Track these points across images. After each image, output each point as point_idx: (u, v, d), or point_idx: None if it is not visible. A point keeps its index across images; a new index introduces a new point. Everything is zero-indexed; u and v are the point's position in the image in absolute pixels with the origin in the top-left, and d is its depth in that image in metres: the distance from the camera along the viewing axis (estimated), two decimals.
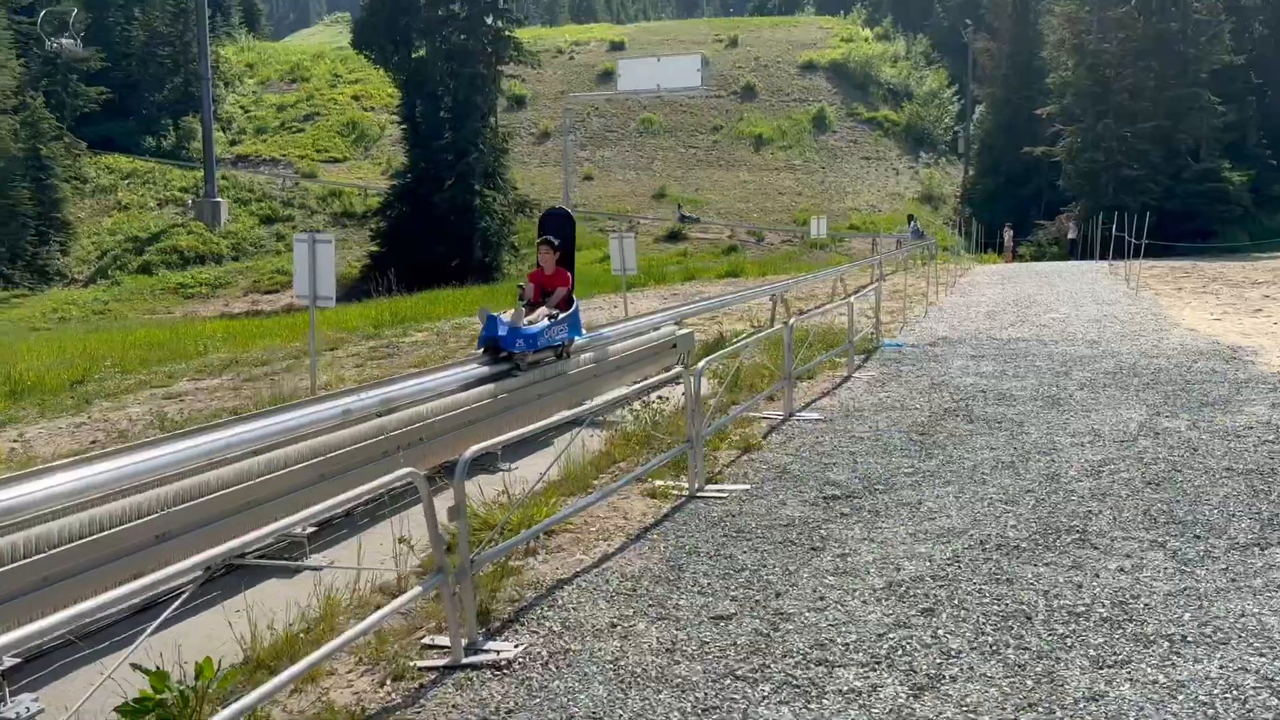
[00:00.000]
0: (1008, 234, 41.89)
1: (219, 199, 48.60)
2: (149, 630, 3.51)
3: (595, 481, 7.53)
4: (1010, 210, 47.64)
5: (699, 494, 7.02)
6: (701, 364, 7.79)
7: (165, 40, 56.45)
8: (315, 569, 6.36)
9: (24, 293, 41.92)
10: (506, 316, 8.82)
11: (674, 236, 48.60)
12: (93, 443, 10.77)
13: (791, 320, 10.23)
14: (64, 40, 48.03)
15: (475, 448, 4.83)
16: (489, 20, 44.21)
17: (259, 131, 56.95)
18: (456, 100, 43.26)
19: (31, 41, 48.33)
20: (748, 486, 7.15)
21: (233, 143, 55.81)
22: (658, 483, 7.25)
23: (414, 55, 44.24)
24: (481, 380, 8.23)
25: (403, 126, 45.40)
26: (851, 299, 12.36)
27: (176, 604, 3.64)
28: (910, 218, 45.20)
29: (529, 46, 49.01)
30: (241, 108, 58.95)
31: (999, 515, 6.28)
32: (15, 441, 10.94)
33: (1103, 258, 34.22)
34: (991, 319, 17.38)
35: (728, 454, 8.21)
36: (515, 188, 51.06)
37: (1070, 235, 42.82)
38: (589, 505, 6.51)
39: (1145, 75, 42.67)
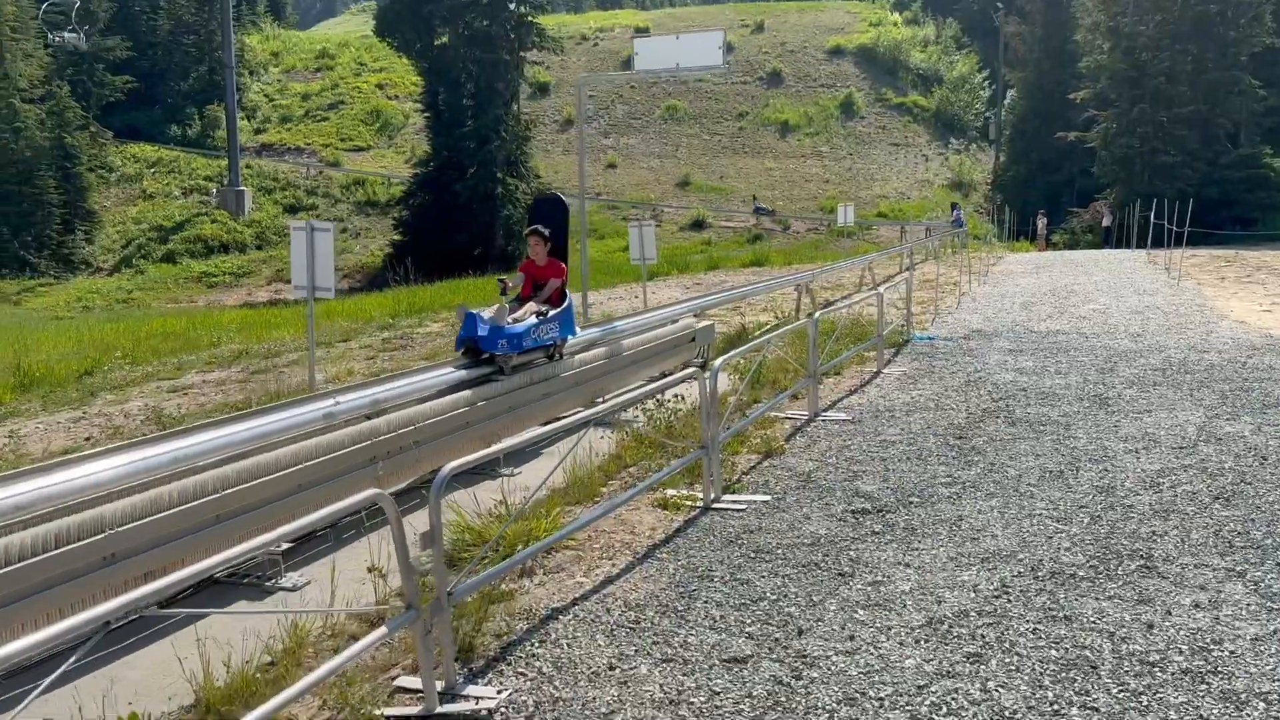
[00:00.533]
0: (1041, 221, 40.82)
1: (242, 188, 48.32)
2: (35, 692, 2.90)
3: (603, 489, 6.89)
4: (1042, 197, 46.54)
5: (714, 505, 6.37)
6: (719, 362, 7.11)
7: (190, 29, 56.22)
8: (289, 590, 5.77)
9: (49, 282, 41.78)
10: (489, 313, 7.93)
11: (698, 225, 47.84)
12: (87, 439, 10.27)
13: (817, 313, 9.52)
14: (66, 34, 47.81)
15: (451, 466, 4.19)
16: (512, 6, 43.54)
17: (284, 120, 56.61)
18: (479, 87, 42.68)
19: (52, 31, 48.17)
20: (768, 497, 6.48)
21: (257, 131, 55.50)
22: (670, 492, 6.59)
23: (436, 42, 43.67)
24: (458, 386, 7.34)
25: (425, 114, 44.87)
26: (881, 289, 11.64)
27: (72, 659, 3.01)
28: (954, 206, 43.66)
29: (552, 33, 48.36)
30: (266, 96, 58.62)
31: (1050, 535, 5.58)
32: (7, 438, 10.45)
33: (1139, 246, 33.20)
34: (1028, 310, 16.57)
35: (747, 459, 7.54)
36: (539, 176, 50.47)
37: (1104, 223, 41.68)
38: (593, 520, 5.86)
39: (1183, 58, 41.35)
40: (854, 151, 56.80)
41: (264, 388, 11.89)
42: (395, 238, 43.93)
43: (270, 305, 35.49)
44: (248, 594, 5.77)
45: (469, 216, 41.80)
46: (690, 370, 6.26)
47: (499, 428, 7.42)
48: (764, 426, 8.49)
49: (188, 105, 55.51)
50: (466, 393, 7.31)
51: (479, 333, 7.66)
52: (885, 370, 11.04)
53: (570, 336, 8.85)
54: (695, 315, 12.29)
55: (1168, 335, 13.17)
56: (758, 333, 14.95)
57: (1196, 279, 21.23)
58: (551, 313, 8.49)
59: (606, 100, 58.71)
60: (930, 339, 13.47)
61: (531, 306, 8.41)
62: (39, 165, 43.36)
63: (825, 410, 9.08)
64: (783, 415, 8.92)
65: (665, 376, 11.53)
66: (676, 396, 9.78)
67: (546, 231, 8.90)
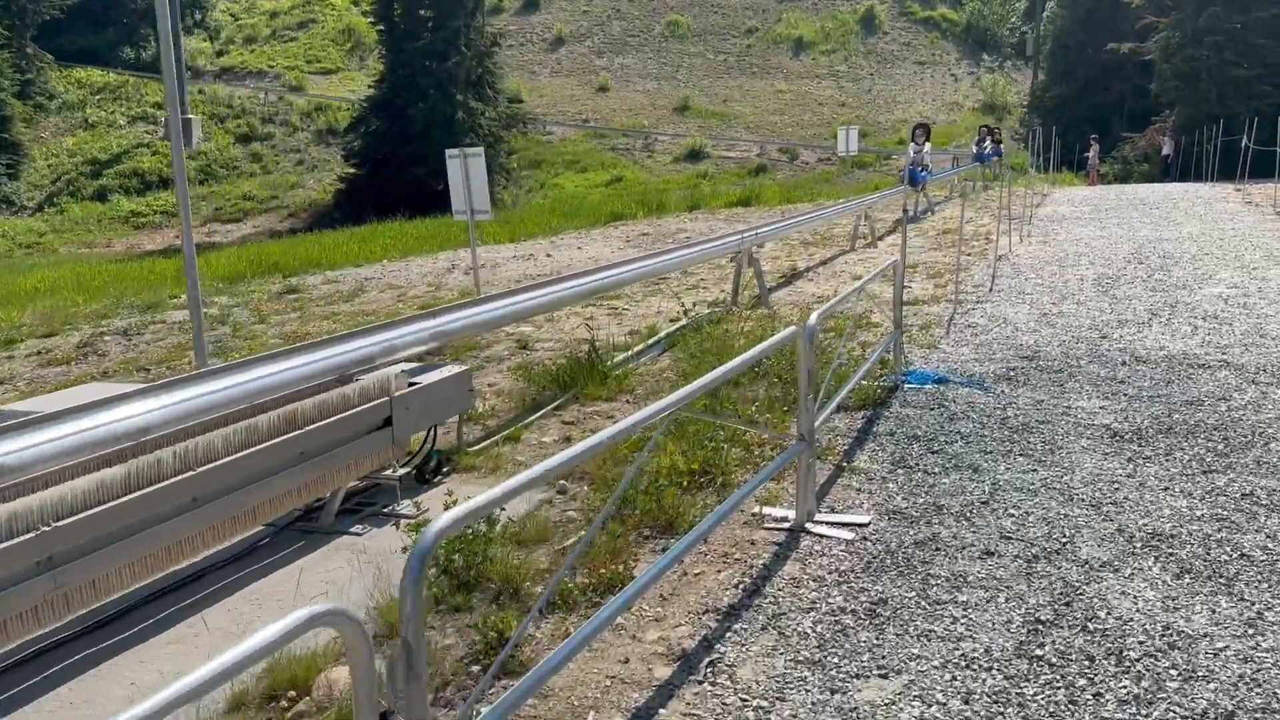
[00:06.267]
0: (1093, 149, 32.92)
1: (191, 116, 41.46)
2: None
3: None
4: (1087, 121, 38.48)
5: None
6: None
7: None
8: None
9: None
10: None
11: (695, 155, 40.48)
12: None
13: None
14: None
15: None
16: None
17: (248, 41, 49.42)
18: None
19: None
20: None
21: (219, 54, 48.45)
22: None
23: None
24: None
25: (379, 27, 37.57)
26: (812, 318, 4.70)
27: None
28: (992, 130, 32.54)
29: None
30: (231, 15, 51.38)
31: None
32: None
33: (1217, 179, 25.69)
34: (1110, 297, 9.56)
35: None
36: (520, 100, 43.12)
37: (1164, 151, 33.87)
38: None
39: None
40: (875, 71, 48.79)
41: None
42: (348, 170, 37.11)
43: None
44: None
45: (427, 146, 34.79)
46: None
47: None
48: None
49: (144, 26, 48.42)
50: None
51: None
52: (815, 525, 4.21)
53: None
54: (429, 351, 5.50)
55: None
56: (619, 357, 8.11)
57: None
58: None
59: (601, 15, 50.90)
60: (939, 381, 6.58)
61: None
62: None
63: None
64: None
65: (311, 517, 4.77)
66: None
67: None
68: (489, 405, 6.59)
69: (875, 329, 8.27)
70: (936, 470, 4.86)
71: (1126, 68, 38.75)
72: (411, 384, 4.99)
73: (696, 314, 9.25)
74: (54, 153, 40.41)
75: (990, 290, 10.18)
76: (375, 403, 4.69)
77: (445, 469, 5.31)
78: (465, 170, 9.30)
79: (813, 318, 4.31)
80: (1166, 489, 4.50)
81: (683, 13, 50.72)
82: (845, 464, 5.00)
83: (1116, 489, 4.51)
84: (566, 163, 40.31)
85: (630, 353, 7.77)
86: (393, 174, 34.76)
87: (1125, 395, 6.07)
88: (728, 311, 9.62)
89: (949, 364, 7.06)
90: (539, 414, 6.32)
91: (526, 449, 5.73)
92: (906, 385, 6.48)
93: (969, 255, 13.05)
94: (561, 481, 5.10)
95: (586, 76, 47.32)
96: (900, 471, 4.88)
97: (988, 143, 25.15)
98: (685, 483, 4.80)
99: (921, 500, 4.47)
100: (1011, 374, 6.71)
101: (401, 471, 4.89)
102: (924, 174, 18.62)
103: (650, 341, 8.16)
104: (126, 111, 43.34)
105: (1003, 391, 6.26)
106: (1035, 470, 4.81)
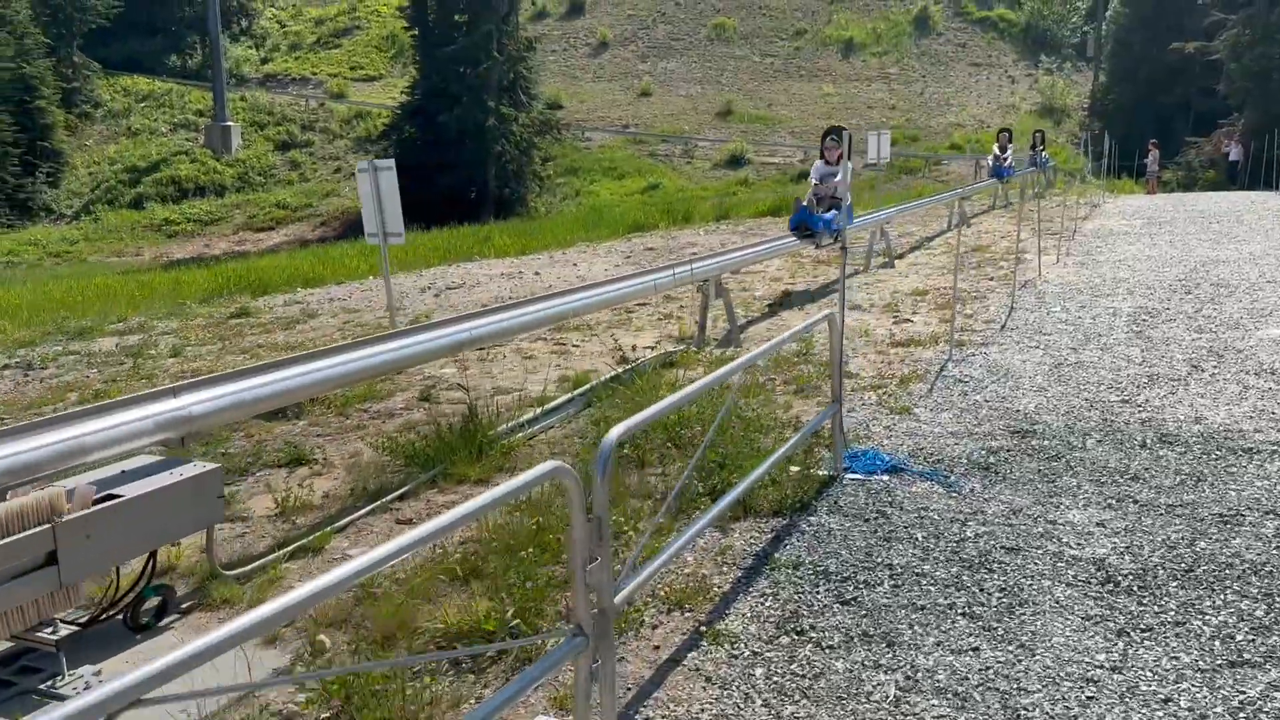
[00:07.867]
0: (1152, 155, 30.49)
1: (230, 123, 41.01)
2: None
3: None
4: (1149, 125, 35.97)
5: None
6: None
7: None
8: None
9: (1, 231, 35.25)
10: None
11: (735, 161, 38.77)
12: None
13: None
14: None
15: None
16: None
17: (293, 48, 48.95)
18: None
19: None
20: None
21: (264, 61, 48.03)
22: None
23: None
24: None
25: (413, 32, 36.57)
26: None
27: None
28: (1036, 135, 28.53)
29: None
30: (279, 23, 50.96)
31: None
32: None
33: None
34: (1144, 339, 7.80)
35: None
36: (559, 105, 41.85)
37: (1231, 156, 31.34)
38: None
39: None
40: (927, 73, 46.56)
41: None
42: None
43: (215, 261, 28.10)
44: None
45: (459, 154, 33.77)
46: None
47: None
48: None
49: (191, 33, 48.26)
50: None
51: None
52: None
53: None
54: (164, 443, 4.10)
55: None
56: (534, 410, 6.64)
57: None
58: None
59: (646, 19, 49.41)
60: (891, 470, 4.97)
61: None
62: None
63: None
64: None
65: None
66: None
67: None
68: (319, 492, 5.16)
69: (854, 379, 6.67)
70: (835, 643, 3.30)
71: (1192, 68, 36.18)
72: (109, 496, 3.57)
73: (641, 357, 7.74)
74: (95, 160, 40.16)
75: (1002, 328, 8.48)
76: (26, 534, 3.27)
77: (182, 607, 3.88)
78: (376, 186, 7.90)
79: (613, 433, 2.78)
80: (1168, 701, 2.88)
81: (730, 15, 49.01)
82: (707, 626, 3.45)
83: (1090, 699, 2.91)
84: (604, 169, 38.92)
85: (532, 414, 6.27)
86: (424, 182, 33.69)
87: (1135, 502, 4.42)
88: (687, 351, 8.11)
89: (916, 439, 5.44)
90: (364, 511, 4.86)
91: (330, 564, 4.30)
92: (849, 475, 4.89)
93: (991, 280, 11.33)
94: (321, 638, 3.65)
95: (629, 81, 45.90)
96: (783, 641, 3.32)
97: (1009, 152, 22.36)
98: (485, 640, 3.33)
99: (789, 713, 2.91)
100: (992, 460, 5.07)
101: (65, 632, 3.46)
102: (835, 216, 10.63)
103: (561, 399, 6.64)
104: (169, 119, 43.01)
105: (971, 491, 4.64)
106: (978, 648, 3.22)
